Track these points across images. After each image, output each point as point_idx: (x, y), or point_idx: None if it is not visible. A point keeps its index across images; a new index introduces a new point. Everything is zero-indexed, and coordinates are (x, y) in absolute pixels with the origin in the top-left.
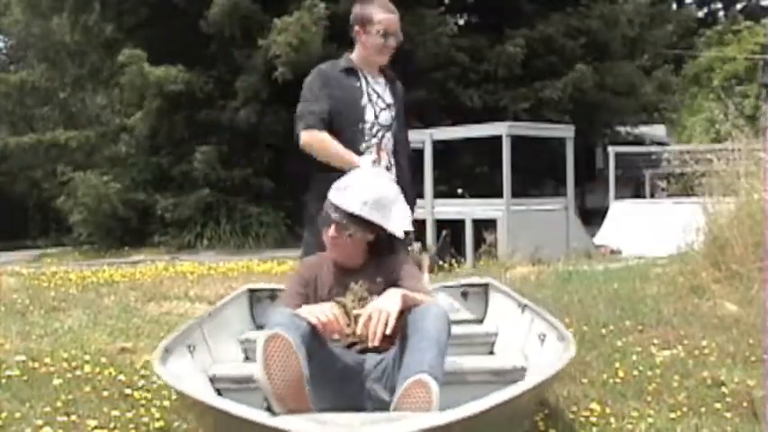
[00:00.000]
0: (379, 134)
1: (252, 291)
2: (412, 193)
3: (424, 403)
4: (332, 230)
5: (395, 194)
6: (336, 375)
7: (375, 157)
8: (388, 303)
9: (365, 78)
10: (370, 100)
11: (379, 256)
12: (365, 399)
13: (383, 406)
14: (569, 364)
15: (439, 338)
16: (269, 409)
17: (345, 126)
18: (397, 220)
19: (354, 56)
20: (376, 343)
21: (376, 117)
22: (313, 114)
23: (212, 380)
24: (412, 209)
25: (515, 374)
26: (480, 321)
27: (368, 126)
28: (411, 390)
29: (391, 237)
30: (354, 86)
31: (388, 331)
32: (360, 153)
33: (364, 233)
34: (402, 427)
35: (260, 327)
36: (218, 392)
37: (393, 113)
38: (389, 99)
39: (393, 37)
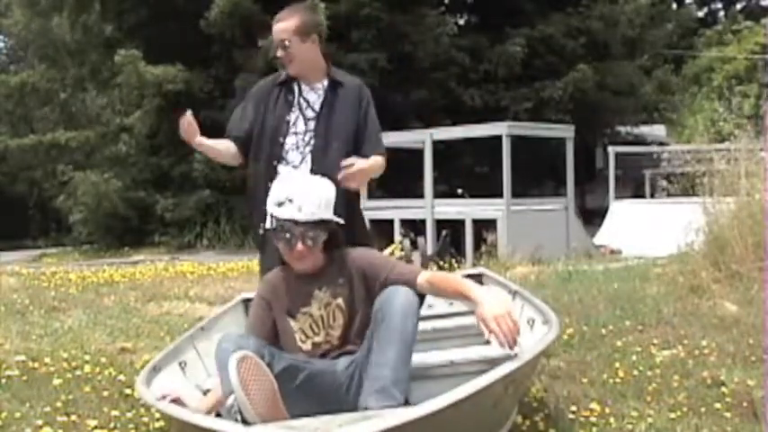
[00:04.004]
0: (312, 142)
1: (246, 301)
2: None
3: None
4: (299, 246)
5: (331, 186)
6: (303, 384)
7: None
8: (495, 307)
9: (299, 88)
10: (300, 110)
11: (330, 253)
12: (341, 402)
13: (357, 407)
14: (549, 345)
15: (404, 329)
16: (245, 421)
17: (265, 142)
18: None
19: None
20: (513, 345)
21: (306, 125)
22: (234, 135)
23: (206, 394)
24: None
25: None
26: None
27: (300, 137)
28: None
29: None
30: (286, 100)
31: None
32: (277, 165)
33: (324, 235)
34: (378, 424)
35: None
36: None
37: (322, 122)
38: (318, 108)
39: (278, 47)
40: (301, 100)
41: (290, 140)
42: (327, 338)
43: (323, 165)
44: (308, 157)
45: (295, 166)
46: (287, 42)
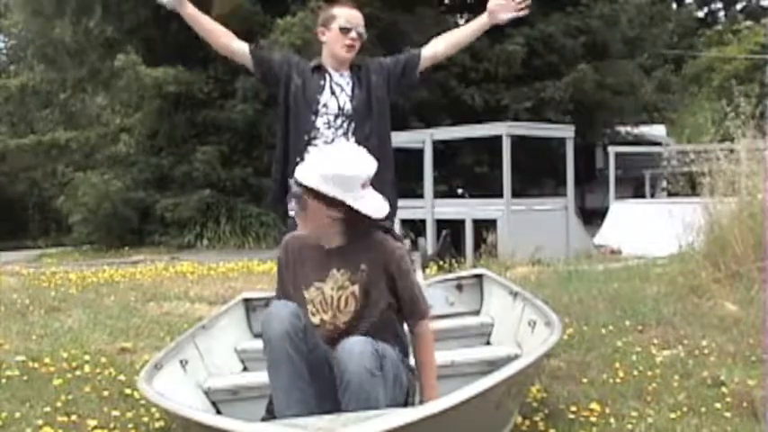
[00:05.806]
0: (345, 124)
1: (247, 300)
2: (390, 189)
3: None
4: (292, 204)
5: (364, 173)
6: (326, 373)
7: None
8: None
9: (329, 75)
10: (333, 93)
11: (363, 238)
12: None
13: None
14: (553, 347)
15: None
16: (265, 419)
17: (301, 116)
18: (372, 203)
19: (322, 56)
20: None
21: (341, 108)
22: (255, 50)
23: (207, 393)
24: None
25: (508, 363)
26: (477, 313)
27: (332, 117)
28: None
29: (368, 219)
30: (318, 83)
31: None
32: (312, 141)
33: (327, 209)
34: (382, 425)
35: (258, 336)
36: (214, 405)
37: (357, 103)
38: (350, 91)
39: (354, 30)
40: (333, 85)
41: (321, 119)
42: (333, 320)
43: (364, 138)
44: (341, 133)
45: (327, 141)
46: (363, 30)
